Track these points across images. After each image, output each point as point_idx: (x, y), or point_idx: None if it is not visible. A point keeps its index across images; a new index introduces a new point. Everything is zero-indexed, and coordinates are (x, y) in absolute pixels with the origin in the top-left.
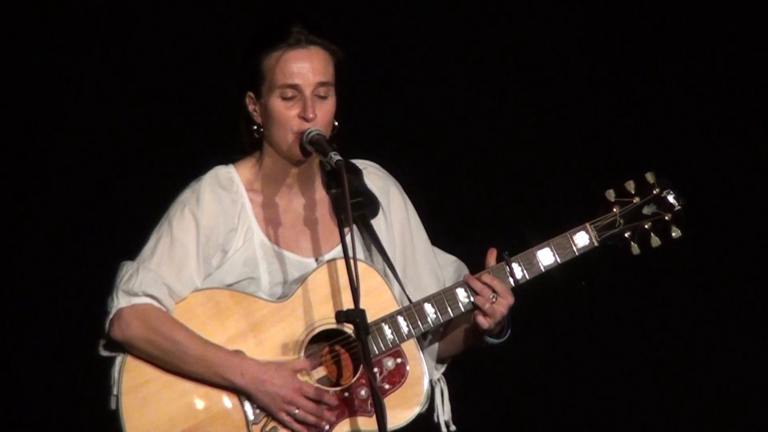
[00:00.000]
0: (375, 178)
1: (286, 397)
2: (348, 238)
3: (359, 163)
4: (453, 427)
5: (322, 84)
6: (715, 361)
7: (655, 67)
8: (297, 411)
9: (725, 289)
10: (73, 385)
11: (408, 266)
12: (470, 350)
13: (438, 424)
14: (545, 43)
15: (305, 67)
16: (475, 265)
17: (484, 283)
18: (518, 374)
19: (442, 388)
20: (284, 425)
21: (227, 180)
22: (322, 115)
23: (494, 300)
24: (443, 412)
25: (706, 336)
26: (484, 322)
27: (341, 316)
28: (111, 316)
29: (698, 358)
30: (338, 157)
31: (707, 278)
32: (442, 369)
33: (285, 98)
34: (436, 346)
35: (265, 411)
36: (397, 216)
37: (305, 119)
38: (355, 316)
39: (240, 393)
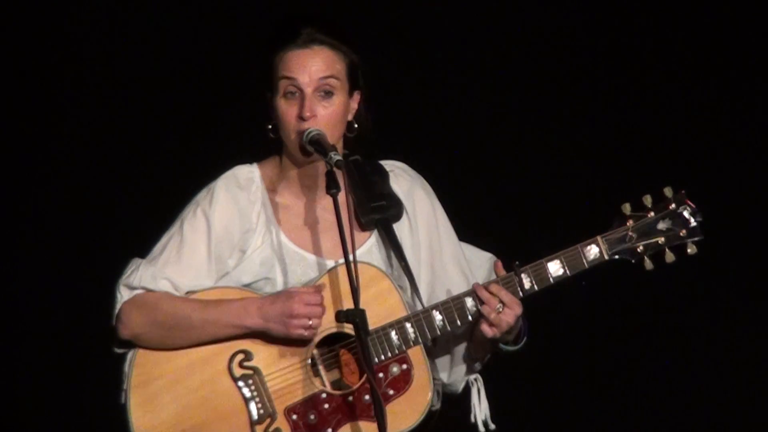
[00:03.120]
0: (401, 180)
1: (293, 312)
2: (347, 239)
3: (387, 164)
4: (492, 426)
5: (324, 82)
6: (716, 362)
7: (679, 79)
8: (309, 321)
9: (728, 291)
10: (88, 378)
11: (436, 268)
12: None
13: (474, 424)
14: (563, 52)
15: (306, 65)
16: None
17: (492, 293)
18: (518, 375)
19: (479, 387)
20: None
21: (247, 180)
22: (326, 115)
23: (501, 310)
24: (480, 411)
25: (707, 337)
26: (488, 331)
27: (341, 316)
28: (116, 312)
29: (699, 359)
30: (338, 157)
31: (709, 279)
32: (479, 367)
33: (287, 96)
34: (466, 345)
35: (283, 337)
36: (422, 218)
37: (302, 118)
38: (355, 316)
39: (256, 334)
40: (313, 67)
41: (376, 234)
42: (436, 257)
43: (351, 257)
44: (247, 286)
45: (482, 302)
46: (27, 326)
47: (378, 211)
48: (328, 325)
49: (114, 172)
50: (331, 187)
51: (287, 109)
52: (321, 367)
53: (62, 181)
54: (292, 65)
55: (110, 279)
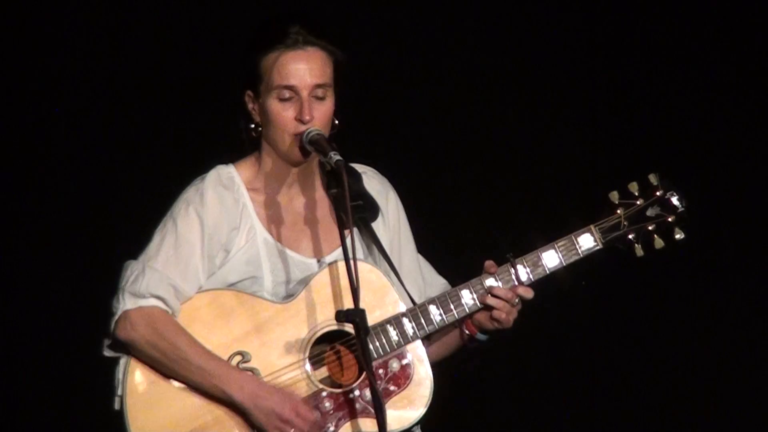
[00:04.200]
0: (374, 182)
1: (282, 416)
2: (348, 239)
3: (358, 167)
4: None
5: (319, 86)
6: (715, 361)
7: (660, 67)
8: (291, 431)
9: (727, 288)
10: (77, 385)
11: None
12: (454, 354)
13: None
14: (548, 44)
15: (302, 69)
16: (479, 267)
17: (510, 290)
18: (516, 376)
19: None
20: None
21: (228, 179)
22: (320, 117)
23: (518, 303)
24: None
25: (706, 336)
26: (507, 321)
27: (341, 316)
28: (116, 317)
29: (699, 358)
30: (338, 157)
31: (709, 277)
32: None
33: (282, 99)
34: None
35: (259, 430)
36: (391, 222)
37: (301, 121)
38: (355, 316)
39: (236, 408)
40: (309, 71)
41: (356, 232)
42: (394, 264)
43: (351, 257)
44: (234, 285)
45: (500, 299)
46: (19, 330)
47: (357, 210)
48: (323, 323)
49: (97, 174)
50: (332, 187)
51: (282, 112)
52: (320, 366)
53: (48, 184)
54: (288, 68)
55: (101, 282)
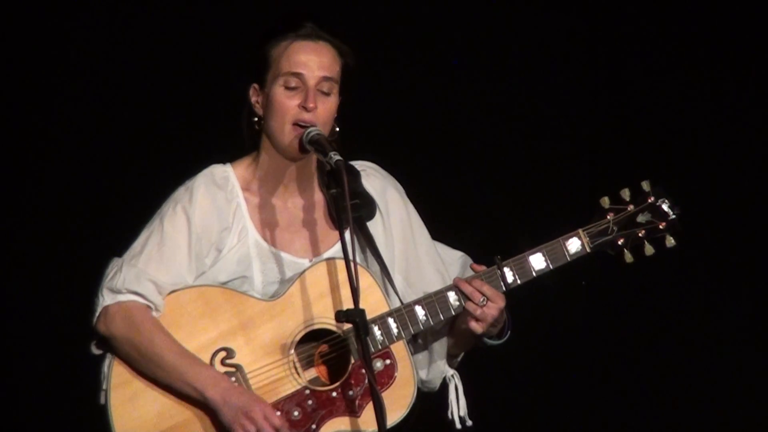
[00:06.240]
0: (373, 179)
1: (249, 413)
2: (348, 239)
3: (357, 164)
4: (469, 422)
5: (326, 79)
6: (713, 362)
7: (654, 73)
8: (254, 430)
9: (723, 290)
10: (64, 380)
11: (411, 266)
12: (476, 348)
13: (452, 421)
14: (543, 48)
15: (312, 59)
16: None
17: (474, 288)
18: (515, 375)
19: (456, 384)
20: None
21: (222, 179)
22: (323, 112)
23: (484, 304)
24: (458, 408)
25: (704, 337)
26: (476, 326)
27: (341, 315)
28: (97, 313)
29: (696, 358)
30: (338, 157)
31: (705, 279)
32: (456, 364)
33: (288, 87)
34: (445, 342)
35: (225, 426)
36: (395, 217)
37: (305, 109)
38: (355, 315)
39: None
40: (318, 62)
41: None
42: (411, 255)
43: (351, 258)
44: (224, 284)
45: (466, 297)
46: (13, 327)
47: (352, 209)
48: (308, 321)
49: (90, 172)
50: (331, 187)
51: (286, 99)
52: (304, 364)
53: (42, 182)
54: (298, 56)
55: (89, 279)
